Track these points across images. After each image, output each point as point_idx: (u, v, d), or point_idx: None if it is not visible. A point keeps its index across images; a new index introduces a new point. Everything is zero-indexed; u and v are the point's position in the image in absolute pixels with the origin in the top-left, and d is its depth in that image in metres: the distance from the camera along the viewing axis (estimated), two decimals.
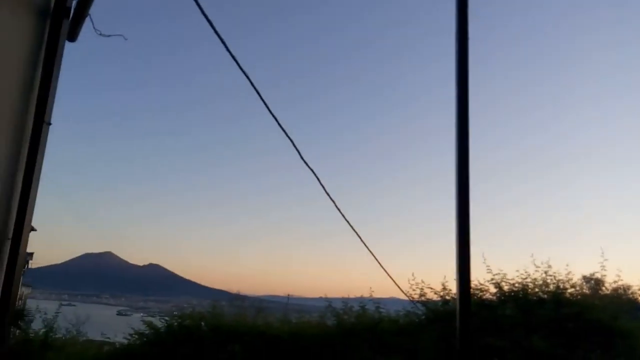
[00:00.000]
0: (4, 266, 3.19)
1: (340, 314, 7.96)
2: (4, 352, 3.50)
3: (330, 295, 9.49)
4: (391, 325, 7.33)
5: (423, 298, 7.47)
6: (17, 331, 8.68)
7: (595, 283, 8.81)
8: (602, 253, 7.24)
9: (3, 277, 3.19)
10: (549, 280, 6.92)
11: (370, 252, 8.15)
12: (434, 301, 7.39)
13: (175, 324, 8.00)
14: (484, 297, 7.12)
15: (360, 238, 7.76)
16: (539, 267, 6.99)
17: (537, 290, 6.90)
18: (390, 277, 8.52)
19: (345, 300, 8.36)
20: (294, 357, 7.13)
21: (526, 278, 7.04)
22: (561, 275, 6.97)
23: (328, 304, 8.31)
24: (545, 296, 6.78)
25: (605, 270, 7.26)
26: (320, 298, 9.13)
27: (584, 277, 8.91)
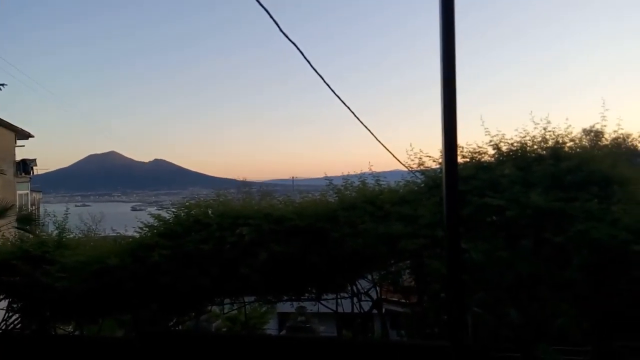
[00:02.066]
0: None
1: (341, 190, 8.09)
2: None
3: (332, 173, 9.58)
4: (392, 196, 7.45)
5: (422, 167, 7.48)
6: (30, 235, 8.98)
7: (595, 135, 8.73)
8: (603, 103, 7.01)
9: None
10: (547, 136, 6.80)
11: (364, 125, 8.07)
12: (433, 169, 7.40)
13: (183, 214, 8.20)
14: (482, 159, 7.09)
15: (352, 113, 7.62)
16: (538, 124, 6.83)
17: (535, 147, 6.82)
18: (386, 147, 8.52)
19: (345, 177, 8.44)
20: (298, 233, 7.36)
21: (525, 136, 6.92)
22: (560, 130, 6.83)
23: (329, 182, 8.41)
24: (544, 152, 6.72)
25: (605, 121, 7.08)
26: (324, 178, 9.23)
27: (584, 130, 8.81)
